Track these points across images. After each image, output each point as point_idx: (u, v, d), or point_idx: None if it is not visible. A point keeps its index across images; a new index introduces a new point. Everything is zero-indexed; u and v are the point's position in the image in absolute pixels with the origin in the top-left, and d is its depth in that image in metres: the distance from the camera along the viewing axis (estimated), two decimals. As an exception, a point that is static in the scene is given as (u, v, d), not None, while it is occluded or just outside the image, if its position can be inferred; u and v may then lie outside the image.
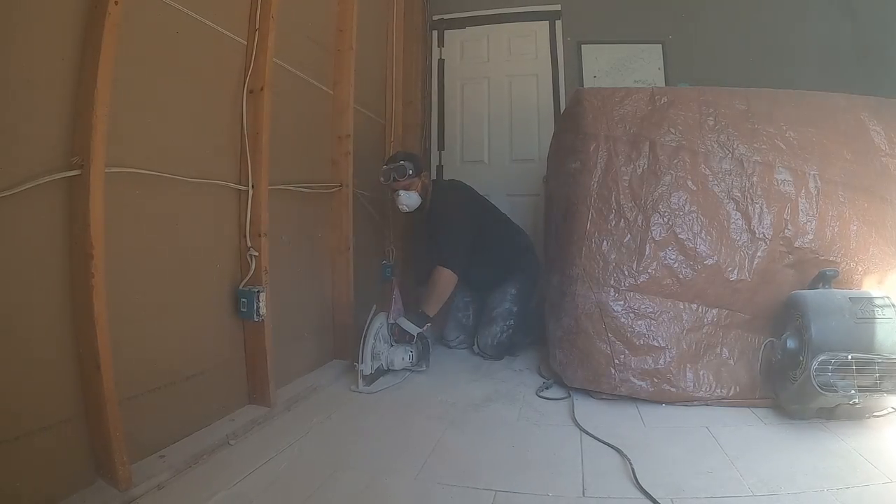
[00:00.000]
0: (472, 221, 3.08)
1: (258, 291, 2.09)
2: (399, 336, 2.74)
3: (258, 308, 2.09)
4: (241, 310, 2.10)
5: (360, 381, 2.50)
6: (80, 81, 1.45)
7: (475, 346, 3.15)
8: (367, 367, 2.51)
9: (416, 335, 2.75)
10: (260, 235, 2.13)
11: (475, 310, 3.35)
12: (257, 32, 2.16)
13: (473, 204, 3.22)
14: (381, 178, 3.04)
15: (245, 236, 2.13)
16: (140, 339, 1.69)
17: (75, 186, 1.44)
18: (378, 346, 2.61)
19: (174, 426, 1.81)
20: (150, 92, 1.73)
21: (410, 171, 3.00)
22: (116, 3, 1.47)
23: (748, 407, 2.15)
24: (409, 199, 3.04)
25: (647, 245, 2.35)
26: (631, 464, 1.69)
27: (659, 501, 1.47)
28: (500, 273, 3.23)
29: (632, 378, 2.27)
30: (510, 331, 3.10)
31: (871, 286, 2.21)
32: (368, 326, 2.57)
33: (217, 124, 2.06)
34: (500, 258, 3.22)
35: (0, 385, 1.29)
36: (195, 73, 1.93)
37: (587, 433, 1.98)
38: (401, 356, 2.68)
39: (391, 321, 2.73)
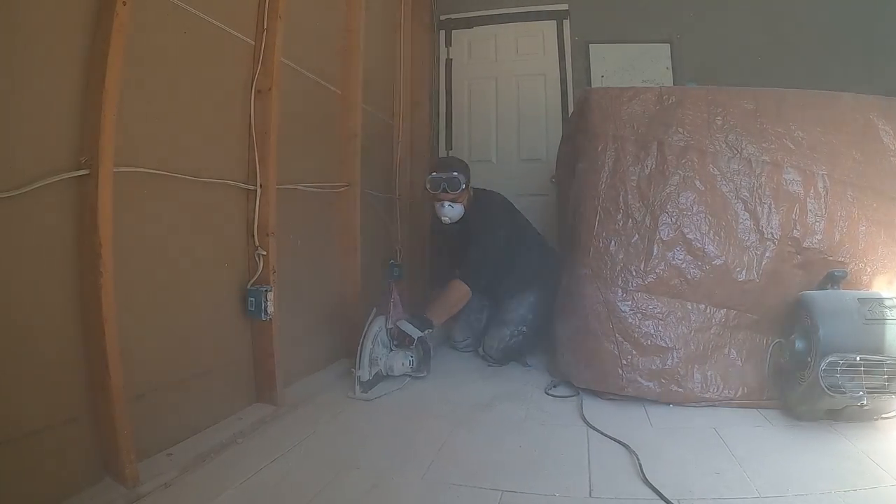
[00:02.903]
0: (503, 239, 2.97)
1: (266, 291, 2.10)
2: (399, 338, 2.58)
3: (266, 307, 2.09)
4: (249, 309, 2.10)
5: (357, 387, 2.39)
6: (89, 81, 1.46)
7: (480, 348, 3.05)
8: (364, 374, 2.41)
9: (416, 339, 2.59)
10: (268, 235, 2.14)
11: (488, 315, 3.22)
12: (265, 32, 2.16)
13: (508, 224, 3.08)
14: (428, 186, 2.92)
15: (253, 236, 2.14)
16: (148, 337, 1.70)
17: (84, 186, 1.45)
18: (376, 352, 2.51)
19: (182, 424, 1.82)
20: (159, 92, 1.74)
21: (463, 186, 2.89)
22: (125, 3, 1.47)
23: (756, 408, 2.14)
24: (453, 212, 2.93)
25: (655, 245, 2.34)
26: (639, 459, 1.69)
27: (667, 498, 1.46)
28: (521, 282, 3.08)
29: (639, 378, 2.26)
30: (520, 337, 2.96)
31: (880, 287, 2.19)
32: (367, 330, 2.48)
33: (225, 124, 2.07)
34: (523, 269, 3.09)
35: (9, 383, 1.30)
36: (203, 72, 1.94)
37: (594, 429, 1.98)
38: (400, 361, 2.55)
39: (390, 325, 2.60)
